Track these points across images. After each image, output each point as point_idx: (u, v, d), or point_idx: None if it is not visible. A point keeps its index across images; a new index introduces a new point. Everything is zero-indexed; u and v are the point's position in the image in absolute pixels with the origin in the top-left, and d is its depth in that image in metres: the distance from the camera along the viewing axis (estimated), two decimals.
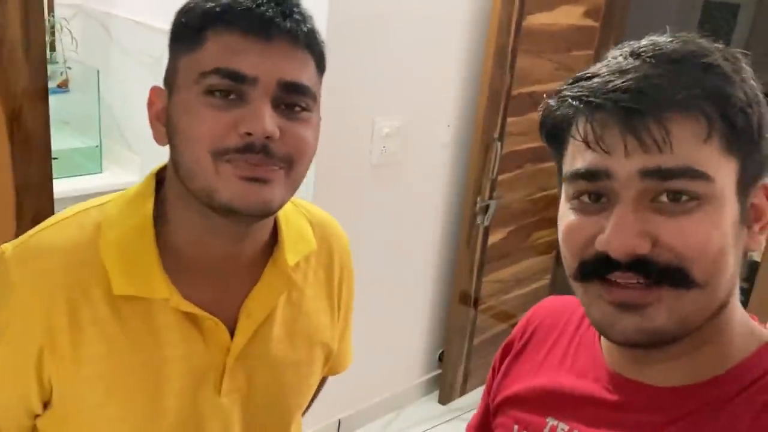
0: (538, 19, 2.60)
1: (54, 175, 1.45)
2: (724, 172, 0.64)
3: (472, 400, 3.05)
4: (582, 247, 0.67)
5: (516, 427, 0.82)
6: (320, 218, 1.06)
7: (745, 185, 0.66)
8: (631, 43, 0.68)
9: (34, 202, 1.40)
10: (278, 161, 0.81)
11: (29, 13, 1.32)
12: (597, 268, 0.66)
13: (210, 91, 0.79)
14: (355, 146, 2.36)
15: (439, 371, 3.06)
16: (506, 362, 0.91)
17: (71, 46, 2.95)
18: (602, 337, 0.79)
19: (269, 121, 0.78)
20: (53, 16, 2.91)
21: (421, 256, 2.81)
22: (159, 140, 0.87)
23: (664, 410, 0.70)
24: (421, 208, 2.71)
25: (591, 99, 0.65)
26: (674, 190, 0.63)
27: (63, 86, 2.97)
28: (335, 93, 2.18)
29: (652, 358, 0.71)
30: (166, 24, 0.86)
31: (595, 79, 0.66)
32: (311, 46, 0.84)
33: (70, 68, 2.97)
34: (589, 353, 0.80)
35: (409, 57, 2.39)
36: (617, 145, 0.64)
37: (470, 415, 1.01)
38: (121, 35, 2.87)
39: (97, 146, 2.85)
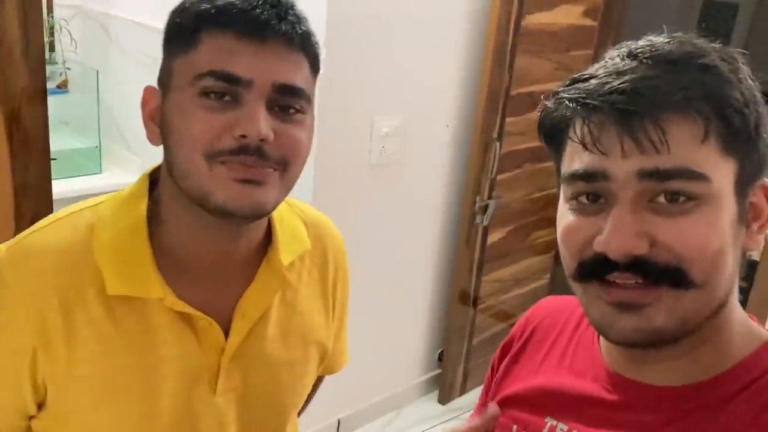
0: (537, 19, 2.60)
1: (53, 176, 1.45)
2: (722, 173, 0.64)
3: (472, 399, 3.05)
4: (581, 247, 0.67)
5: (515, 427, 0.82)
6: (314, 218, 1.06)
7: (743, 185, 0.66)
8: (629, 43, 0.68)
9: (33, 203, 1.40)
10: (273, 163, 0.81)
11: (28, 13, 1.32)
12: (596, 269, 0.66)
13: (205, 93, 0.79)
14: (354, 146, 2.36)
15: (439, 371, 3.06)
16: (505, 362, 0.91)
17: (70, 47, 2.95)
18: (601, 337, 0.79)
19: (264, 124, 0.79)
20: (52, 17, 2.91)
21: (421, 255, 2.81)
22: (153, 140, 0.87)
23: (664, 410, 0.70)
24: (420, 208, 2.71)
25: (588, 101, 0.65)
26: (672, 190, 0.63)
27: (62, 87, 2.97)
28: (334, 93, 2.18)
29: (651, 357, 0.71)
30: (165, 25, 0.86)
31: (592, 81, 0.66)
32: (306, 47, 0.84)
33: (69, 69, 2.97)
34: (588, 353, 0.80)
35: (408, 57, 2.39)
36: (614, 147, 0.64)
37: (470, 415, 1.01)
38: (121, 36, 2.87)
39: (96, 147, 2.85)
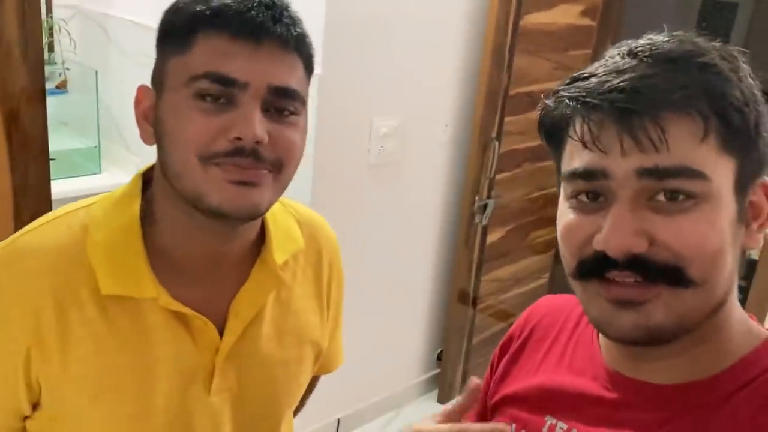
0: (535, 19, 2.60)
1: (53, 176, 1.45)
2: (722, 171, 0.64)
3: None
4: (580, 246, 0.68)
5: (514, 426, 0.82)
6: (308, 217, 1.07)
7: (743, 184, 0.66)
8: (629, 42, 0.68)
9: (32, 204, 1.40)
10: (268, 165, 0.82)
11: (27, 13, 1.32)
12: (595, 267, 0.66)
13: (200, 95, 0.79)
14: (353, 146, 2.36)
15: (438, 370, 3.06)
16: (504, 361, 0.91)
17: (69, 47, 2.95)
18: (601, 335, 0.79)
19: (259, 127, 0.79)
20: (51, 17, 2.91)
21: (420, 255, 2.81)
22: (146, 140, 0.87)
23: (663, 408, 0.70)
24: (419, 208, 2.71)
25: (588, 99, 0.65)
26: (671, 189, 0.63)
27: (61, 87, 2.97)
28: (333, 93, 2.18)
29: (650, 355, 0.71)
30: None
31: (592, 79, 0.66)
32: (300, 49, 0.84)
33: (68, 69, 2.97)
34: (588, 351, 0.80)
35: (407, 57, 2.39)
36: (614, 145, 0.64)
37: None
38: (120, 36, 2.87)
39: (95, 147, 2.85)
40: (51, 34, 2.91)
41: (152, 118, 0.85)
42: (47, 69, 1.46)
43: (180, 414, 0.88)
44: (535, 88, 2.71)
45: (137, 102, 0.87)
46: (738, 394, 0.67)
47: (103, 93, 2.86)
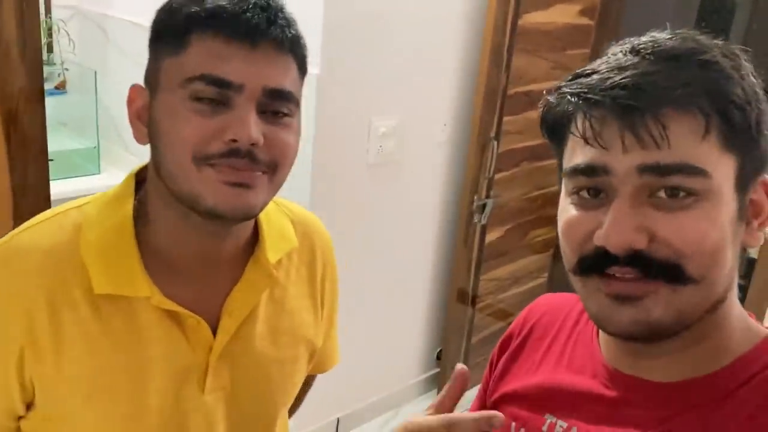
0: (533, 18, 2.60)
1: (52, 177, 1.45)
2: (723, 169, 0.64)
3: (471, 398, 3.05)
4: (581, 241, 0.68)
5: (514, 424, 0.82)
6: (302, 216, 1.07)
7: (744, 181, 0.66)
8: (632, 39, 0.68)
9: (31, 204, 1.40)
10: (263, 166, 0.82)
11: (25, 14, 1.31)
12: (596, 263, 0.66)
13: (196, 97, 0.79)
14: (351, 146, 2.36)
15: (437, 370, 3.06)
16: (503, 359, 0.91)
17: (68, 48, 2.95)
18: (600, 333, 0.79)
19: (255, 129, 0.79)
20: (50, 18, 2.91)
21: (419, 254, 2.81)
22: (139, 140, 0.87)
23: (663, 405, 0.70)
24: (418, 208, 2.71)
25: (589, 96, 0.65)
26: (672, 186, 0.63)
27: (60, 88, 2.96)
28: (331, 93, 2.18)
29: (650, 353, 0.71)
30: None
31: (594, 76, 0.66)
32: (294, 50, 0.84)
33: (67, 69, 2.96)
34: (587, 349, 0.81)
35: (405, 56, 2.39)
36: (615, 142, 0.64)
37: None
38: (118, 36, 2.87)
39: (94, 147, 2.84)
40: (50, 35, 2.90)
41: (146, 118, 0.85)
42: (46, 69, 1.46)
43: (174, 413, 0.88)
44: (533, 87, 2.72)
45: (130, 101, 0.87)
46: (737, 392, 0.67)
47: (102, 93, 2.85)
